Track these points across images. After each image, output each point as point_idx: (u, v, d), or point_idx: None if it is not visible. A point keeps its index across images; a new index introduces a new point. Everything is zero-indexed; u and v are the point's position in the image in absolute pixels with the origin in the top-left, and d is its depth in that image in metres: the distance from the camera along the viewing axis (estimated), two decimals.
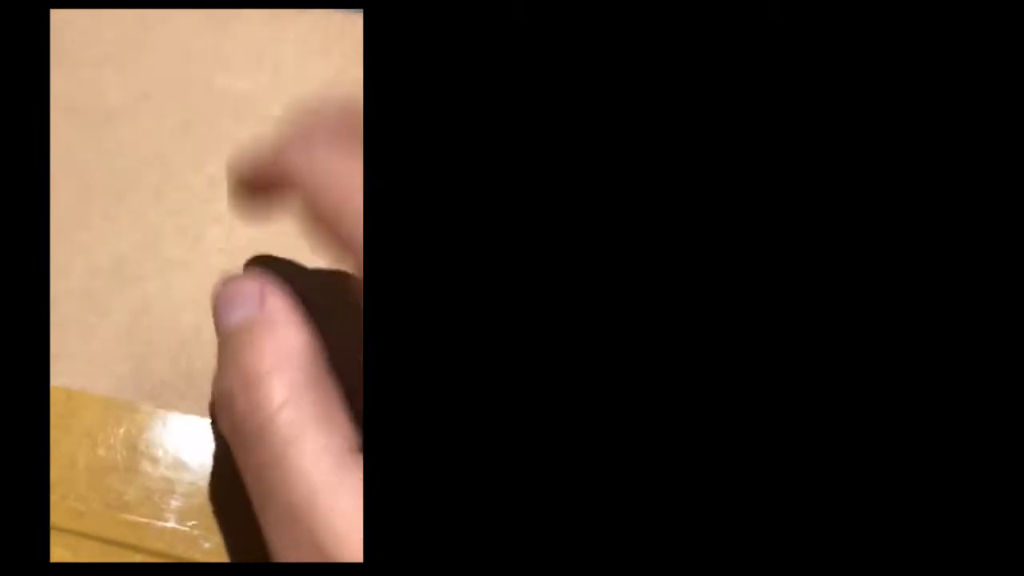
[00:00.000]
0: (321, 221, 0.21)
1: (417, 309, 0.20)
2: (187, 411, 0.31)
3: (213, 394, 0.23)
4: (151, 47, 0.36)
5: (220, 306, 0.22)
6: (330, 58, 0.37)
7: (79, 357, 0.31)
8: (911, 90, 0.21)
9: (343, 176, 0.21)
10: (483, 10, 0.20)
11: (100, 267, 0.33)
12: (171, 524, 0.29)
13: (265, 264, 0.25)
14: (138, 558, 0.29)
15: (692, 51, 0.20)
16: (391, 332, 0.20)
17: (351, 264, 0.21)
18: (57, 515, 0.29)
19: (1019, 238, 0.21)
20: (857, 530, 0.20)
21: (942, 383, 0.21)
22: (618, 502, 0.20)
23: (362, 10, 0.33)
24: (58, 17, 0.35)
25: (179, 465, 0.30)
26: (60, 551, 0.29)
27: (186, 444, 0.31)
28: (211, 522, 0.29)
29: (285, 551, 0.20)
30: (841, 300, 0.20)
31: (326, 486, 0.19)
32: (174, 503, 0.30)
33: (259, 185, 0.26)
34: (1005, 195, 0.21)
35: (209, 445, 0.29)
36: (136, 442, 0.30)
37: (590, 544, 0.20)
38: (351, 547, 0.19)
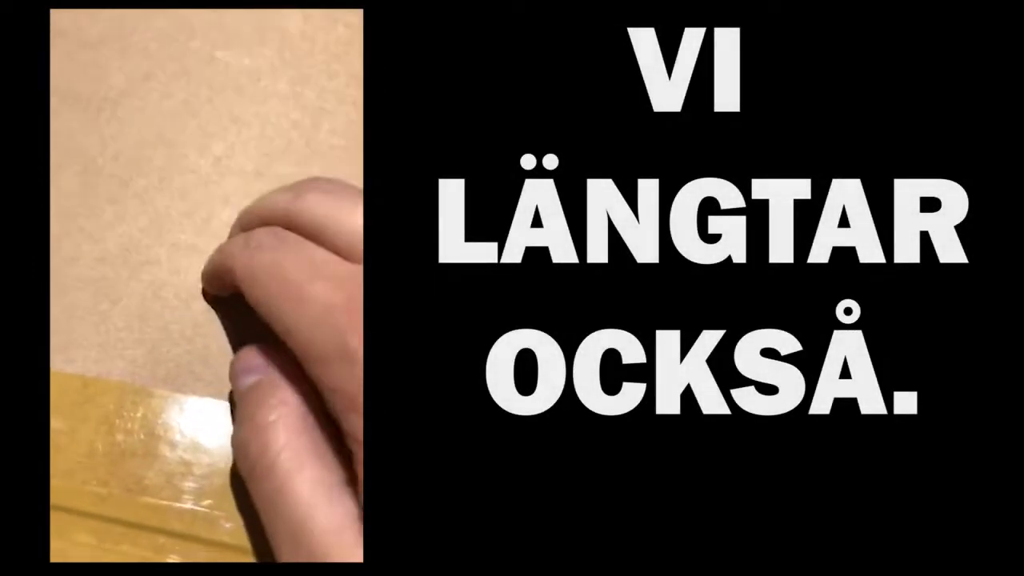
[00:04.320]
0: (257, 307, 0.28)
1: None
2: (203, 393, 0.33)
3: (233, 447, 0.30)
4: (151, 24, 0.38)
5: (236, 374, 0.30)
6: (335, 29, 0.39)
7: (93, 344, 0.34)
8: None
9: (270, 273, 0.27)
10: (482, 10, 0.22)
11: (108, 253, 0.35)
12: (190, 505, 0.32)
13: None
14: (160, 539, 0.31)
15: None
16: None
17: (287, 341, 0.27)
18: (79, 500, 0.32)
19: None
20: None
21: None
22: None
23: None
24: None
25: (196, 447, 0.33)
26: (84, 536, 0.31)
27: (203, 426, 0.33)
28: (229, 502, 0.31)
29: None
30: None
31: (321, 508, 0.25)
32: (193, 485, 0.32)
33: (219, 283, 0.33)
34: None
35: (226, 427, 0.32)
36: (153, 426, 0.33)
37: None
38: (343, 559, 0.24)
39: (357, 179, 0.30)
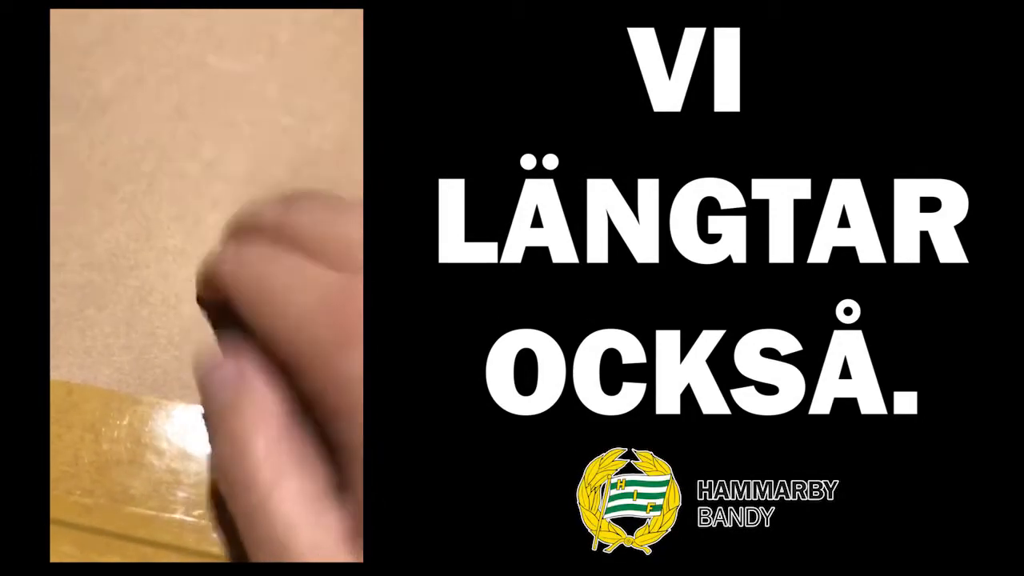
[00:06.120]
0: (244, 317, 0.28)
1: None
2: (191, 401, 0.34)
3: (212, 466, 0.29)
4: (141, 28, 0.39)
5: (207, 392, 0.30)
6: (326, 35, 0.40)
7: (78, 350, 0.34)
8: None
9: (256, 284, 0.28)
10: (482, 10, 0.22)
11: (96, 259, 0.36)
12: (179, 516, 0.32)
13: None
14: (147, 551, 0.32)
15: None
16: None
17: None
18: (63, 511, 0.32)
19: None
20: None
21: None
22: None
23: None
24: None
25: (184, 456, 0.33)
26: (67, 548, 0.32)
27: (191, 434, 0.33)
28: (218, 512, 0.31)
29: None
30: None
31: (305, 524, 0.24)
32: (181, 494, 0.33)
33: (210, 291, 0.33)
34: None
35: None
36: (140, 434, 0.33)
37: None
38: None
39: (348, 185, 0.31)
